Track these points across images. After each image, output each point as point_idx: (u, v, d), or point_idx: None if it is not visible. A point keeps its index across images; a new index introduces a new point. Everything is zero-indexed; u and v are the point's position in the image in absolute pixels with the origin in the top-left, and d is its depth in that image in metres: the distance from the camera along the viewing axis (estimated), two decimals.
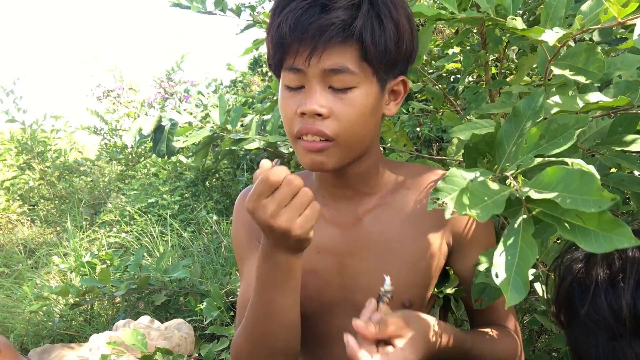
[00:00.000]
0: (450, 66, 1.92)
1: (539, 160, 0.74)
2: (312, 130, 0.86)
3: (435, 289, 1.07)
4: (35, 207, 6.28)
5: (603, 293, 0.70)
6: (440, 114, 1.66)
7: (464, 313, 1.31)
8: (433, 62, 1.89)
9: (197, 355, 2.22)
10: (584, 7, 0.79)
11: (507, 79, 1.55)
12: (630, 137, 0.93)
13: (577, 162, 0.71)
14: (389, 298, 0.86)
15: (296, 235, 0.78)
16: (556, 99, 0.79)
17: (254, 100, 4.67)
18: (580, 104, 0.78)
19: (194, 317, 2.57)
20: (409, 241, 0.99)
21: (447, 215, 0.70)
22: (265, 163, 0.78)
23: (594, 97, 0.76)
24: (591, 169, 0.69)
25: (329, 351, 1.05)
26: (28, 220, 6.09)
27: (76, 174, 6.42)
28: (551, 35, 0.74)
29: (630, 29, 0.63)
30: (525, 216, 0.69)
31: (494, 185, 0.72)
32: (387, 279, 0.85)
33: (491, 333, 1.00)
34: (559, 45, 0.85)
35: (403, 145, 1.62)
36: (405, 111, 2.03)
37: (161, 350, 1.80)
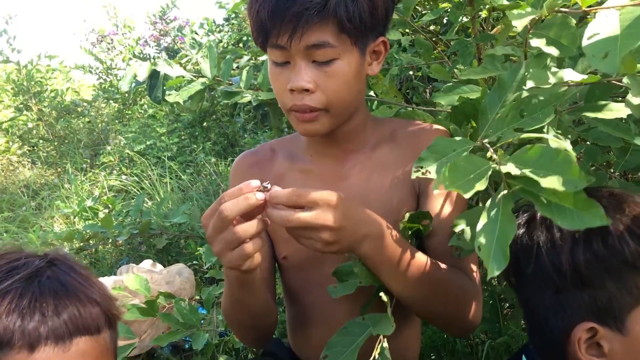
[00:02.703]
0: (445, 5, 1.89)
1: (518, 135, 0.78)
2: (302, 107, 0.93)
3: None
4: (35, 148, 6.32)
5: (545, 252, 0.78)
6: (428, 66, 1.67)
7: None
8: (426, 2, 1.88)
9: (198, 297, 2.32)
10: None
11: (494, 30, 1.55)
12: (605, 104, 0.96)
13: (554, 140, 0.74)
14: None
15: (224, 265, 0.82)
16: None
17: (249, 38, 4.61)
18: (553, 79, 0.81)
19: (194, 262, 2.66)
20: (384, 191, 1.05)
21: (435, 191, 0.74)
22: (252, 182, 0.79)
23: (565, 74, 0.79)
24: (567, 146, 0.73)
25: (317, 295, 1.12)
26: (29, 162, 6.14)
27: (74, 114, 6.41)
28: (520, 20, 0.76)
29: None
30: (505, 192, 0.73)
31: (478, 160, 0.75)
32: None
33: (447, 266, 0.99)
34: (537, 18, 0.87)
35: (393, 97, 1.64)
36: (396, 57, 2.04)
37: (164, 294, 1.88)
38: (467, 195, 0.72)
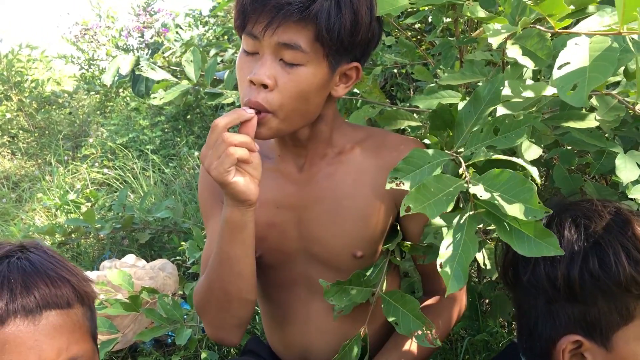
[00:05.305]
0: (427, 7, 1.90)
1: (490, 153, 0.80)
2: (253, 103, 0.91)
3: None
4: (15, 138, 6.23)
5: (542, 263, 0.80)
6: (411, 67, 1.70)
7: (409, 264, 1.40)
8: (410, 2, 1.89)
9: (181, 293, 2.33)
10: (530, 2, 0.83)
11: (476, 33, 1.58)
12: (579, 113, 0.99)
13: (522, 164, 0.77)
14: None
15: (213, 176, 0.87)
16: (506, 85, 0.85)
17: (234, 32, 4.58)
18: (528, 93, 0.83)
19: (178, 257, 2.67)
20: (359, 198, 1.07)
21: (402, 212, 0.76)
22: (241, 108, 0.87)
23: (538, 89, 0.82)
24: (533, 172, 0.75)
25: (291, 294, 1.16)
26: (8, 152, 6.07)
27: (54, 105, 6.33)
28: (494, 37, 0.79)
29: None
30: (471, 213, 0.75)
31: (448, 179, 0.77)
32: None
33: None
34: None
35: (376, 97, 1.66)
36: (380, 53, 2.05)
37: (147, 289, 1.89)
38: (433, 218, 0.74)
